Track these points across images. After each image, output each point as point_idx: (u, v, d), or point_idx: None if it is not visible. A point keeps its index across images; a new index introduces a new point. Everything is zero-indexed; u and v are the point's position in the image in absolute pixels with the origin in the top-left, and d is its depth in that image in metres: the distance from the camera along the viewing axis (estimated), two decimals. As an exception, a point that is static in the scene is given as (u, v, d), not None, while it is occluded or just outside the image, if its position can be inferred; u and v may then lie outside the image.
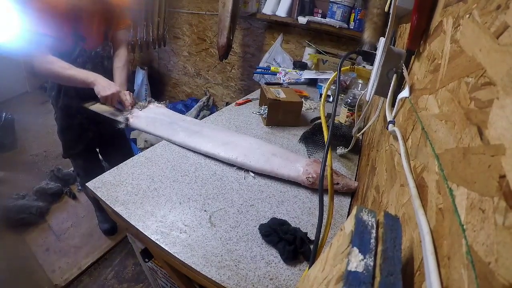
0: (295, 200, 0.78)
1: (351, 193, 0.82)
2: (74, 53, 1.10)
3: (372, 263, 0.22)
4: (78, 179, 1.79)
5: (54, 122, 1.29)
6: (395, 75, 0.53)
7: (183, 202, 0.72)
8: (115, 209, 0.67)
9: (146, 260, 0.82)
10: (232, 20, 1.88)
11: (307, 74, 1.69)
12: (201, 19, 2.56)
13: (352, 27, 1.81)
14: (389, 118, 0.51)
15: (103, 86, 1.06)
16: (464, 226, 0.19)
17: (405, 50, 0.51)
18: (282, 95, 1.16)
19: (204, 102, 2.72)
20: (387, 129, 0.49)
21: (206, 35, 2.60)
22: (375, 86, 0.58)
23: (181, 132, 0.97)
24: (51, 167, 1.99)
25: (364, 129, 0.85)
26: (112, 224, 1.64)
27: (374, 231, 0.25)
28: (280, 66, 2.07)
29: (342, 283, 0.20)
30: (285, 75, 1.70)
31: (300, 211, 0.74)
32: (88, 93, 1.14)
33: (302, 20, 1.87)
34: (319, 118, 1.20)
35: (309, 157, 0.97)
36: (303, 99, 1.30)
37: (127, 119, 1.05)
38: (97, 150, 1.49)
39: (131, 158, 0.87)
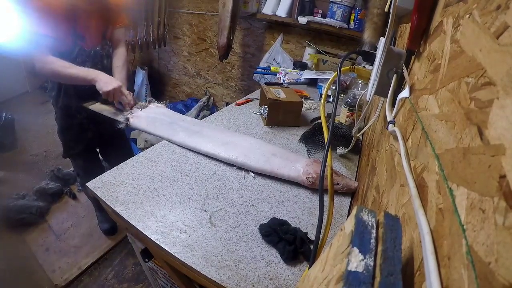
0: (295, 200, 0.78)
1: (351, 193, 0.82)
2: (73, 52, 1.10)
3: (372, 263, 0.22)
4: (78, 179, 1.79)
5: (54, 122, 1.29)
6: (395, 75, 0.53)
7: (183, 202, 0.72)
8: (115, 209, 0.67)
9: (146, 260, 0.82)
10: (232, 20, 1.88)
11: (307, 74, 1.69)
12: (201, 19, 2.56)
13: (352, 27, 1.81)
14: (389, 118, 0.51)
15: (104, 82, 1.06)
16: (464, 226, 0.19)
17: (405, 50, 0.51)
18: (282, 95, 1.16)
19: (204, 102, 2.72)
20: (387, 129, 0.49)
21: (206, 35, 2.61)
22: (375, 86, 0.58)
23: (181, 132, 0.97)
24: (51, 167, 2.00)
25: (364, 129, 0.85)
26: (112, 224, 1.64)
27: (374, 231, 0.25)
28: (280, 66, 2.07)
29: (342, 283, 0.20)
30: (285, 75, 1.70)
31: (300, 211, 0.74)
32: (88, 93, 1.14)
33: (302, 20, 1.87)
34: (319, 118, 1.20)
35: (309, 157, 0.97)
36: (303, 99, 1.30)
37: (127, 119, 1.05)
38: (97, 150, 1.49)
39: (131, 158, 0.87)
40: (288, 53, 2.22)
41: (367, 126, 0.81)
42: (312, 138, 1.05)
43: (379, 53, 0.58)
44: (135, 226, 0.64)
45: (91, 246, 1.56)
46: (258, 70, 2.22)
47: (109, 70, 1.20)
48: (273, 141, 1.05)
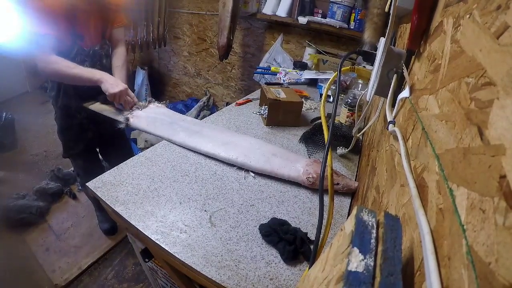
0: (295, 200, 0.78)
1: (351, 193, 0.82)
2: (72, 52, 1.10)
3: (372, 263, 0.22)
4: (78, 179, 1.79)
5: (54, 122, 1.29)
6: (395, 75, 0.53)
7: (183, 202, 0.72)
8: (115, 209, 0.67)
9: (146, 260, 0.82)
10: (232, 20, 1.88)
11: (307, 74, 1.69)
12: (201, 19, 2.56)
13: (352, 27, 1.81)
14: (389, 118, 0.51)
15: (110, 83, 1.05)
16: (465, 226, 0.19)
17: (405, 50, 0.51)
18: (282, 95, 1.16)
19: (204, 102, 2.72)
20: (388, 129, 0.49)
21: (206, 35, 2.61)
22: (375, 86, 0.58)
23: (181, 132, 0.97)
24: (51, 167, 2.00)
25: (364, 129, 0.85)
26: (112, 224, 1.64)
27: (374, 231, 0.25)
28: (280, 66, 2.07)
29: (342, 283, 0.20)
30: (285, 75, 1.70)
31: (300, 211, 0.74)
32: (87, 93, 1.14)
33: (302, 20, 1.87)
34: (319, 118, 1.20)
35: (309, 157, 0.97)
36: (303, 99, 1.30)
37: (127, 119, 1.05)
38: (97, 150, 1.49)
39: (131, 158, 0.87)
40: (288, 53, 2.22)
41: (367, 126, 0.81)
42: (312, 138, 1.05)
43: (379, 53, 0.58)
44: (135, 226, 0.64)
45: (91, 246, 1.56)
46: (258, 70, 2.22)
47: (108, 70, 1.19)
48: (273, 141, 1.05)
